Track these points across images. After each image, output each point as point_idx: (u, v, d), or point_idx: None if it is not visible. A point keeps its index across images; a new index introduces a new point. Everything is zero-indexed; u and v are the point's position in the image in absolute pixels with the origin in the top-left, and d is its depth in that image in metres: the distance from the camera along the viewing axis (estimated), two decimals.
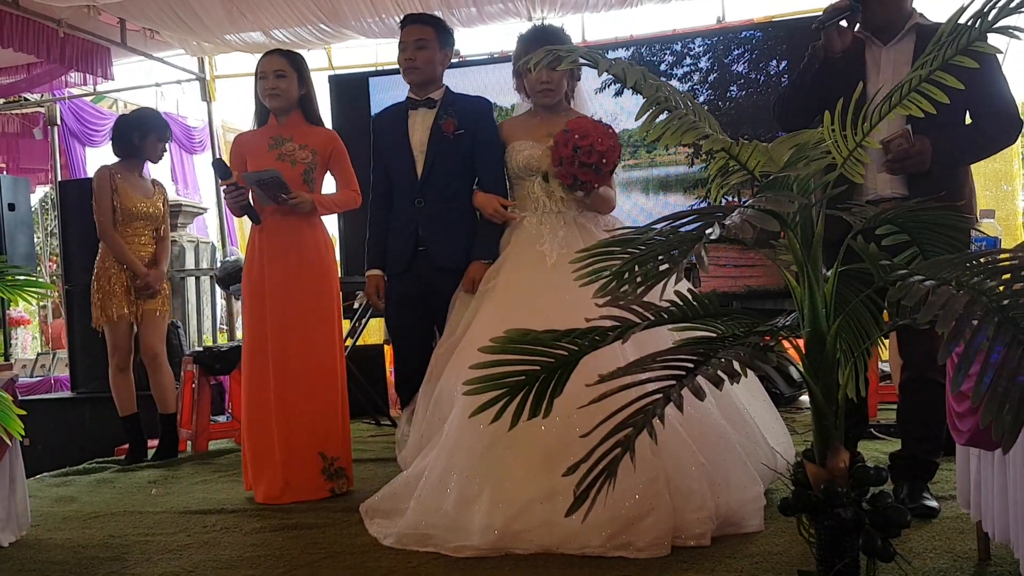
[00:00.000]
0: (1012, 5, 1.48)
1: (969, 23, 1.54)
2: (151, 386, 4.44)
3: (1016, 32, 1.53)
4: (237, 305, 6.61)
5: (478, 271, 3.09)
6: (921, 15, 2.77)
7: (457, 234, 3.20)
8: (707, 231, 1.30)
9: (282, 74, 3.37)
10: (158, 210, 4.41)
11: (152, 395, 4.47)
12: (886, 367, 4.95)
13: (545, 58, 1.57)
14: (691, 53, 5.82)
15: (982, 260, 1.31)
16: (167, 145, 4.52)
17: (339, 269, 5.85)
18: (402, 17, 3.47)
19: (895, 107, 1.55)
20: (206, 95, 7.53)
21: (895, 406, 2.87)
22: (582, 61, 1.57)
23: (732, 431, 2.67)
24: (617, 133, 2.97)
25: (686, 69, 5.80)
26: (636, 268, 1.45)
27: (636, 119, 1.55)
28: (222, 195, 3.33)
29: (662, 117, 1.51)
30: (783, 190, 1.46)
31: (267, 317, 3.31)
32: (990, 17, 1.54)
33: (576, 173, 2.90)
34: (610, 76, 1.55)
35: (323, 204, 3.40)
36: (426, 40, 3.24)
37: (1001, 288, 1.19)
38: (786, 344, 1.68)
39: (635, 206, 5.87)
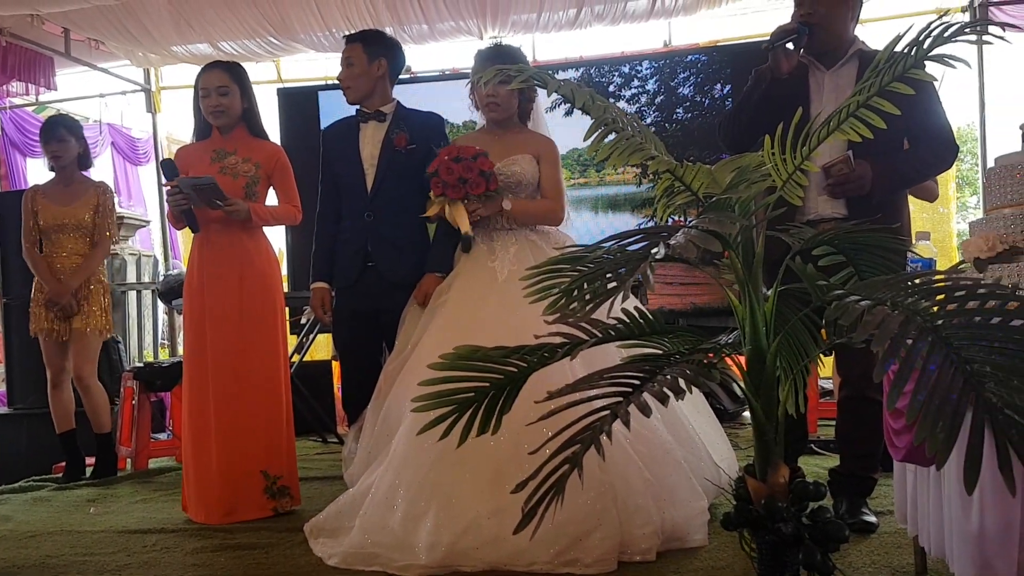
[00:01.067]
0: (946, 34, 1.54)
1: (905, 51, 1.59)
2: (84, 406, 4.33)
3: (950, 61, 1.59)
4: (179, 320, 6.49)
5: (431, 284, 3.08)
6: (863, 42, 2.86)
7: (407, 249, 3.20)
8: (653, 251, 1.32)
9: (225, 90, 3.33)
10: (81, 219, 4.24)
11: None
12: (827, 383, 5.05)
13: (495, 76, 1.58)
14: (639, 75, 5.92)
15: (917, 281, 1.36)
16: (56, 151, 4.27)
17: (285, 283, 5.83)
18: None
19: (834, 132, 1.60)
20: (151, 106, 7.42)
21: (835, 422, 2.93)
22: (532, 81, 1.59)
23: (678, 447, 2.70)
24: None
25: (634, 91, 5.90)
26: (584, 286, 1.47)
27: (584, 139, 1.57)
28: (165, 200, 3.28)
29: (610, 138, 1.53)
30: (725, 212, 1.49)
31: (208, 332, 3.26)
32: (925, 45, 1.60)
33: (447, 181, 2.95)
34: (559, 96, 1.57)
35: (260, 215, 3.36)
36: (351, 58, 3.27)
37: (935, 308, 1.23)
38: (729, 361, 1.71)
39: (584, 224, 5.93)
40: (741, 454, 3.30)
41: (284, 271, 6.12)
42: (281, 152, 3.49)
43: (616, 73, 5.94)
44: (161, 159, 3.28)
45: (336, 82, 3.43)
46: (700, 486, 2.63)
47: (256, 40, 6.32)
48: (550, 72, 5.56)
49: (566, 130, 5.56)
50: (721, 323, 5.32)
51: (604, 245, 1.50)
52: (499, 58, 3.06)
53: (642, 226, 5.84)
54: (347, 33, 3.50)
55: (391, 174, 3.21)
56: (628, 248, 1.46)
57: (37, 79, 6.32)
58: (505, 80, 2.82)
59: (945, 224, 6.65)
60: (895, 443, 2.03)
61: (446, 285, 3.04)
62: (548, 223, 3.13)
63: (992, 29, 1.55)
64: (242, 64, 3.56)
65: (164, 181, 3.24)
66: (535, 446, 1.52)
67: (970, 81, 6.16)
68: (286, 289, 5.65)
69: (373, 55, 3.28)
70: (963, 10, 6.01)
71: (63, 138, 4.27)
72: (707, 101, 5.78)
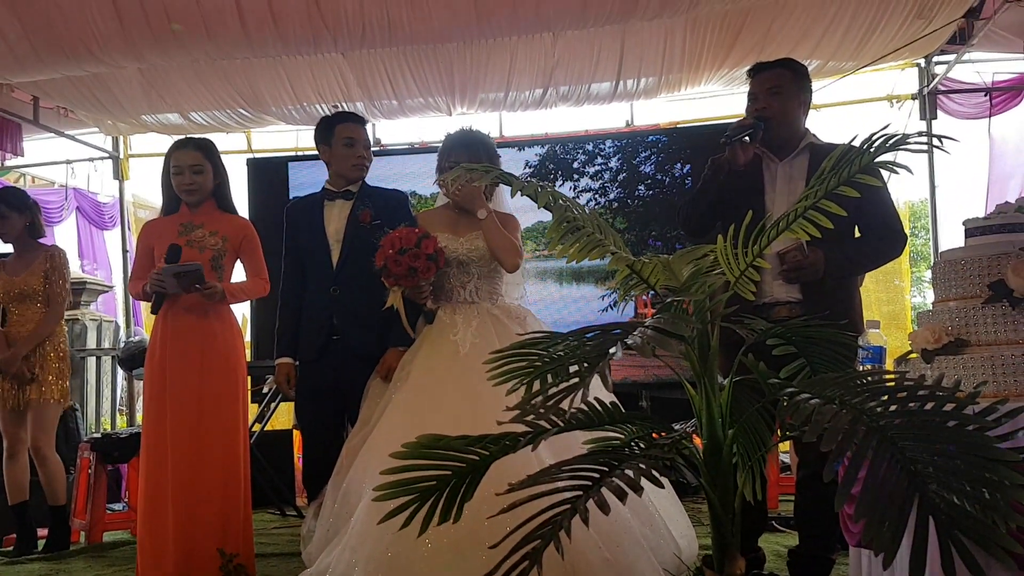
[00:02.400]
0: (889, 144, 1.63)
1: (852, 156, 1.68)
2: (40, 477, 4.23)
3: (895, 168, 1.67)
4: (139, 386, 6.39)
5: (393, 358, 3.11)
6: (814, 135, 2.98)
7: (372, 322, 3.22)
8: (610, 350, 1.36)
9: (199, 169, 3.37)
10: (33, 287, 4.19)
11: None
12: (787, 457, 5.09)
13: (463, 176, 1.63)
14: (602, 153, 6.06)
15: (866, 380, 1.41)
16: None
17: (248, 353, 5.79)
18: (324, 112, 3.55)
19: (784, 231, 1.67)
20: (119, 173, 7.41)
21: (793, 500, 2.96)
22: (498, 181, 1.64)
23: (638, 524, 2.70)
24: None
25: (597, 167, 6.03)
26: (548, 378, 1.50)
27: (546, 237, 1.62)
28: (151, 274, 3.27)
29: (570, 234, 1.59)
30: (680, 314, 1.54)
31: (168, 407, 3.23)
32: (872, 149, 1.68)
33: (397, 273, 2.97)
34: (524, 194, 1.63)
35: (233, 294, 3.37)
36: (364, 140, 3.37)
37: (879, 409, 1.28)
38: (696, 438, 1.75)
39: (549, 295, 5.99)
40: (702, 530, 3.31)
41: (248, 337, 6.08)
42: (249, 226, 3.52)
43: (580, 150, 6.08)
44: (170, 244, 3.29)
45: (306, 152, 3.49)
46: (659, 565, 2.63)
47: (227, 111, 6.37)
48: (517, 147, 5.58)
49: (531, 203, 5.69)
50: (683, 395, 5.36)
51: (567, 339, 1.54)
52: (470, 144, 3.16)
53: (605, 298, 5.91)
54: (352, 113, 3.60)
55: (357, 248, 3.25)
56: (587, 343, 1.50)
57: (4, 145, 6.30)
58: (472, 177, 2.91)
59: (900, 297, 6.81)
60: (850, 528, 2.07)
61: (409, 357, 3.06)
62: (507, 257, 3.11)
63: (936, 138, 1.64)
64: (211, 138, 3.61)
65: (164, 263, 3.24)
66: (495, 520, 1.53)
67: (921, 163, 6.37)
68: (249, 358, 5.61)
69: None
70: (912, 97, 6.26)
71: (4, 215, 4.22)
72: (667, 179, 5.93)
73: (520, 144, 6.25)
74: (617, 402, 1.84)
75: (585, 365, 1.40)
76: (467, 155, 3.12)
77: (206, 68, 5.82)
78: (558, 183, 6.00)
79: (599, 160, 6.05)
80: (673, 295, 1.65)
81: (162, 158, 3.50)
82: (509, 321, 3.06)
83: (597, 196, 6.02)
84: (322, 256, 3.29)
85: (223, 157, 3.55)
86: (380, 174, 6.06)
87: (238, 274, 3.53)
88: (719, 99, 6.54)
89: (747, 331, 1.82)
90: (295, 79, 6.03)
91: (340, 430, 3.28)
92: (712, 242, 1.78)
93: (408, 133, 7.05)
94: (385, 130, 7.02)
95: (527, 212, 5.81)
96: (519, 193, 1.68)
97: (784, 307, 2.80)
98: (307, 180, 6.11)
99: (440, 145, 3.31)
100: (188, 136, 3.70)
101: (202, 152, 3.40)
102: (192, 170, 3.36)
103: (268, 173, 6.39)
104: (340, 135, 3.33)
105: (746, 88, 3.02)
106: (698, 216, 2.99)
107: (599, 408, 1.69)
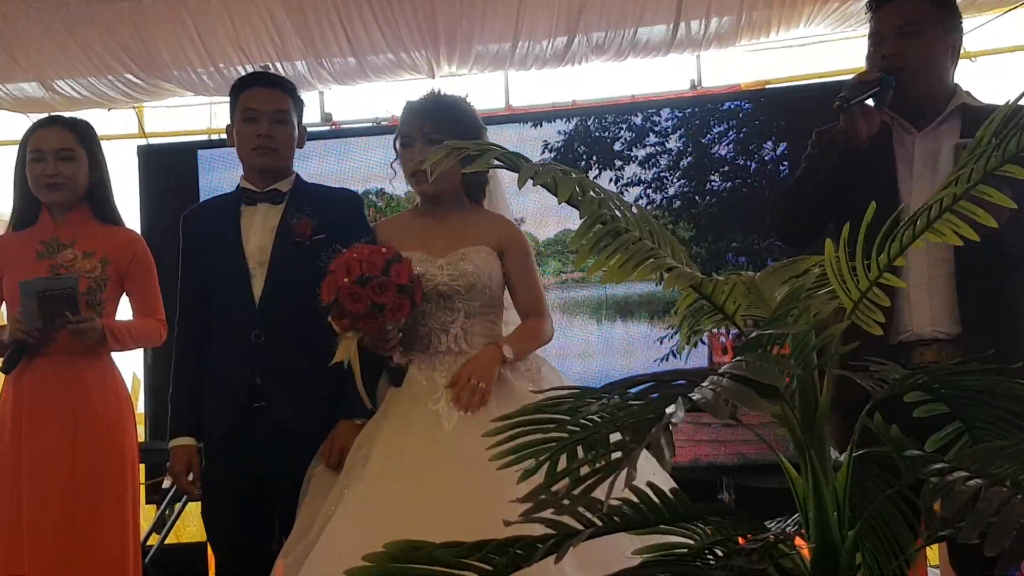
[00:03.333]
0: None
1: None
2: None
3: None
4: None
5: (346, 435, 3.10)
6: (968, 93, 2.98)
7: (311, 382, 3.21)
8: (668, 411, 1.35)
9: (68, 154, 3.41)
10: None
11: None
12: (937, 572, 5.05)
13: (446, 159, 1.63)
14: (656, 128, 6.06)
15: None
16: None
17: (141, 430, 5.78)
18: (246, 72, 3.57)
19: (924, 231, 1.65)
20: None
21: None
22: (496, 163, 1.64)
23: None
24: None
25: (649, 150, 6.03)
26: (577, 455, 1.49)
27: (571, 246, 1.61)
28: (9, 318, 3.29)
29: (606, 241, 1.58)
30: (769, 356, 1.52)
31: (26, 502, 3.27)
32: None
33: (356, 312, 2.93)
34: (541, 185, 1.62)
35: (116, 335, 3.38)
36: (286, 112, 3.33)
37: None
38: (799, 542, 1.73)
39: (582, 339, 5.97)
40: None
41: (140, 407, 6.08)
42: (138, 242, 3.55)
43: (624, 125, 6.08)
44: (34, 280, 3.29)
45: (222, 138, 3.51)
46: None
47: (109, 78, 6.42)
48: (531, 121, 5.60)
49: (545, 201, 5.66)
50: (781, 483, 5.28)
51: (604, 397, 1.52)
52: (433, 112, 3.19)
53: (663, 341, 5.88)
54: (258, 72, 3.60)
55: (289, 275, 3.25)
56: (633, 402, 1.48)
57: None
58: (435, 142, 2.92)
59: None
60: None
61: (368, 434, 3.06)
62: (542, 342, 3.19)
63: None
64: (87, 118, 3.64)
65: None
66: None
67: None
68: (142, 436, 5.60)
69: (300, 117, 3.43)
70: None
71: None
72: (752, 164, 5.92)
73: (535, 118, 6.26)
74: (681, 492, 1.82)
75: (631, 435, 1.38)
76: (430, 128, 3.14)
77: (77, 13, 5.88)
78: (592, 172, 6.00)
79: (652, 139, 6.04)
80: (761, 329, 1.63)
81: (14, 148, 3.54)
82: (515, 377, 3.07)
83: (650, 191, 6.01)
84: (238, 285, 3.29)
85: (104, 144, 3.58)
86: (331, 165, 6.10)
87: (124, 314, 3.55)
88: (827, 46, 6.55)
89: (874, 381, 1.80)
90: (207, 29, 6.08)
91: (267, 539, 3.27)
92: (820, 251, 1.77)
93: (371, 105, 7.09)
94: (338, 101, 7.06)
95: (546, 217, 5.85)
96: (529, 184, 1.67)
97: (931, 346, 2.79)
98: (226, 176, 6.14)
99: None
100: (55, 114, 3.73)
101: (74, 133, 3.45)
102: (57, 156, 3.40)
103: (169, 166, 6.40)
104: (240, 107, 3.35)
105: (866, 29, 3.03)
106: (799, 215, 2.99)
107: (654, 499, 1.67)
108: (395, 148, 3.28)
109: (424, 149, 3.09)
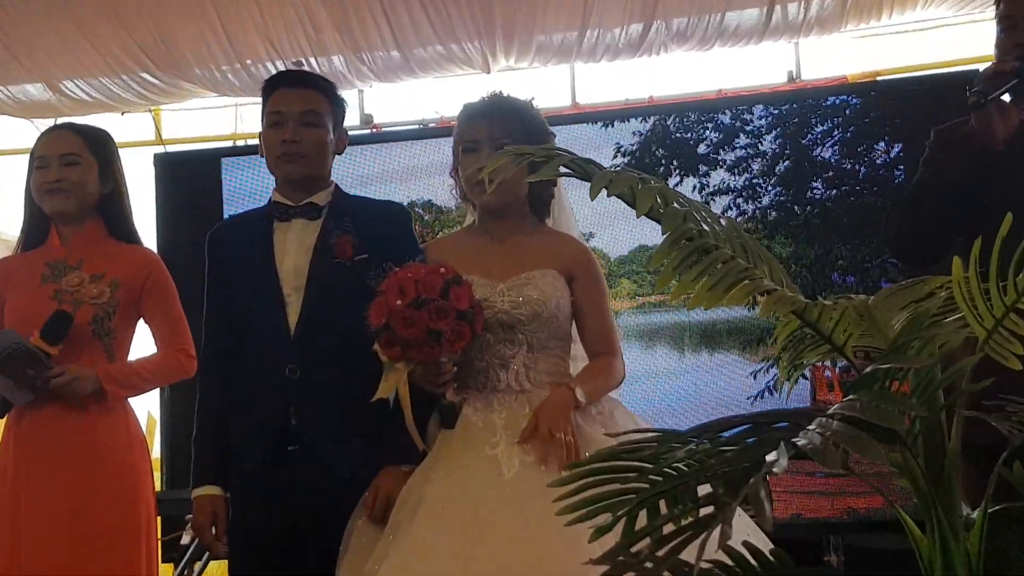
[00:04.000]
0: None
1: None
2: None
3: None
4: None
5: (391, 483, 3.08)
6: None
7: (353, 422, 3.21)
8: (768, 458, 1.32)
9: (74, 159, 3.45)
10: None
11: None
12: None
13: (506, 167, 1.62)
14: (748, 128, 6.03)
15: None
16: None
17: (157, 478, 5.82)
18: (275, 72, 3.59)
19: None
20: None
21: None
22: (565, 170, 1.62)
23: None
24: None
25: (740, 152, 6.00)
26: (660, 510, 1.47)
27: (652, 264, 1.58)
28: None
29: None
30: (887, 394, 1.50)
31: (22, 561, 3.28)
32: None
33: (409, 339, 2.91)
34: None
35: (123, 380, 3.41)
36: (318, 113, 3.34)
37: None
38: None
39: (659, 372, 5.94)
40: None
41: (155, 451, 6.12)
42: (154, 262, 3.58)
43: (709, 124, 6.06)
44: (55, 312, 3.35)
45: (250, 142, 3.52)
46: None
47: (122, 78, 6.50)
48: (602, 121, 5.60)
49: (617, 211, 5.65)
50: (901, 543, 5.20)
51: (691, 442, 1.50)
52: (494, 115, 3.19)
53: (757, 375, 5.84)
54: (286, 70, 3.61)
55: (328, 301, 3.25)
56: (726, 447, 1.46)
57: None
58: (511, 170, 2.90)
59: None
60: None
61: (418, 482, 3.04)
62: (615, 384, 3.18)
63: None
64: (105, 130, 3.69)
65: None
66: None
67: None
68: (159, 486, 5.64)
69: (338, 119, 3.42)
70: None
71: None
72: (861, 168, 5.87)
73: (606, 117, 6.25)
74: (784, 553, 1.79)
75: (725, 486, 1.36)
76: (499, 132, 3.14)
77: (86, 5, 5.95)
78: (672, 180, 5.98)
79: (743, 140, 6.02)
80: (877, 363, 1.60)
81: (24, 157, 3.59)
82: (585, 420, 3.04)
83: (741, 200, 5.99)
84: (271, 313, 3.29)
85: (118, 151, 3.62)
86: (371, 174, 6.11)
87: (141, 344, 3.57)
88: (948, 31, 6.50)
89: (1011, 424, 1.76)
90: (232, 22, 6.16)
91: None
92: (945, 271, 1.73)
93: (417, 105, 7.13)
94: (380, 101, 7.11)
95: (617, 229, 5.83)
96: (603, 195, 1.66)
97: None
98: (254, 188, 6.19)
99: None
100: (67, 120, 3.79)
101: (81, 137, 3.49)
102: (63, 160, 3.44)
103: (190, 177, 6.47)
104: (267, 112, 3.37)
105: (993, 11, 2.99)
106: (919, 228, 2.95)
107: (751, 562, 1.64)
108: (455, 154, 3.27)
109: (492, 156, 3.08)
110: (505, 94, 3.28)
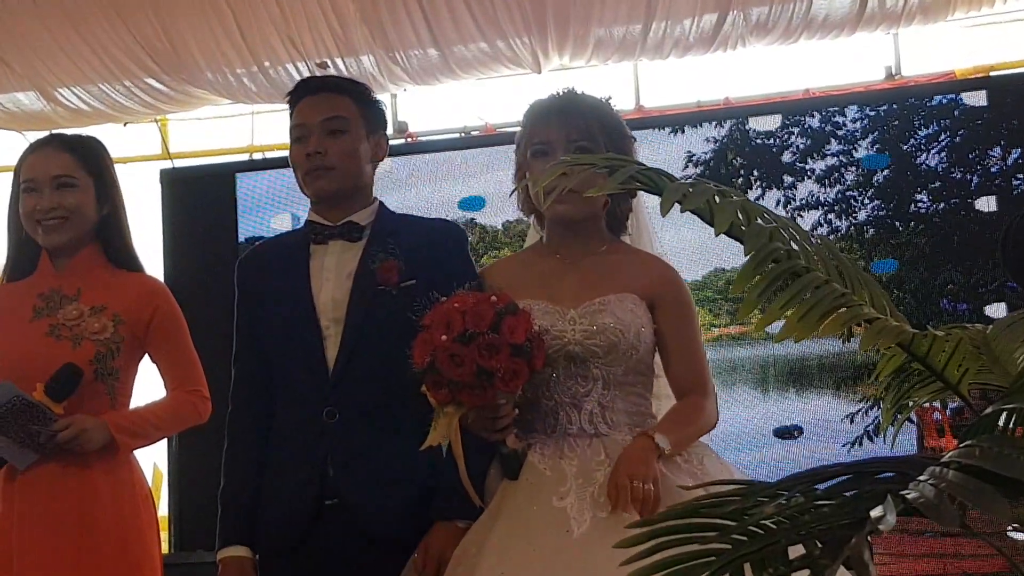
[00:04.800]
0: None
1: None
2: None
3: None
4: None
5: (444, 542, 3.08)
6: None
7: (399, 474, 3.22)
8: (873, 514, 1.32)
9: (69, 181, 3.47)
10: None
11: None
12: None
13: (568, 178, 1.63)
14: (840, 132, 6.04)
15: None
16: None
17: (165, 540, 5.84)
18: (296, 76, 3.61)
19: None
20: None
21: None
22: (636, 184, 1.63)
23: None
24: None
25: (831, 160, 6.00)
26: (746, 572, 1.46)
27: (733, 291, 1.58)
28: None
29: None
30: (1010, 438, 1.49)
31: None
32: None
33: (457, 380, 2.88)
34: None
35: (133, 429, 3.43)
36: (344, 119, 3.34)
37: None
38: None
39: (743, 415, 5.93)
40: None
41: (163, 508, 6.12)
42: (161, 292, 3.60)
43: (796, 129, 6.06)
44: (64, 365, 3.38)
45: (270, 155, 3.53)
46: None
47: (124, 83, 6.56)
48: (670, 127, 5.60)
49: (689, 225, 5.61)
50: None
51: (782, 495, 1.49)
52: (569, 114, 3.16)
53: (856, 417, 5.81)
54: (311, 76, 3.61)
55: (372, 334, 3.25)
56: (822, 501, 1.45)
57: None
58: (585, 151, 2.89)
59: None
60: None
61: (473, 541, 3.03)
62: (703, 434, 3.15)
63: None
64: (94, 135, 3.71)
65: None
66: None
67: None
68: (166, 548, 5.65)
69: (373, 123, 3.42)
70: None
71: None
72: (974, 178, 5.86)
73: (675, 122, 6.29)
74: None
75: (822, 547, 1.35)
76: (577, 134, 3.13)
77: (84, 3, 5.99)
78: (752, 192, 5.97)
79: (834, 146, 6.02)
80: (998, 403, 1.59)
81: (8, 175, 3.62)
82: (668, 468, 3.01)
83: (833, 215, 5.98)
84: (307, 349, 3.29)
85: (119, 168, 3.65)
86: (408, 193, 6.13)
87: (144, 388, 3.59)
88: None
89: None
90: (248, 20, 6.21)
91: None
92: None
93: (459, 113, 7.15)
94: (415, 107, 7.14)
95: (690, 252, 5.80)
96: (675, 209, 1.66)
97: None
98: (272, 207, 6.23)
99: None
100: (54, 132, 3.81)
101: (75, 155, 3.50)
102: (55, 184, 3.45)
103: (199, 194, 6.53)
104: (291, 126, 3.38)
105: None
106: None
107: None
108: (519, 159, 3.26)
109: (557, 154, 3.08)
110: (580, 91, 3.26)
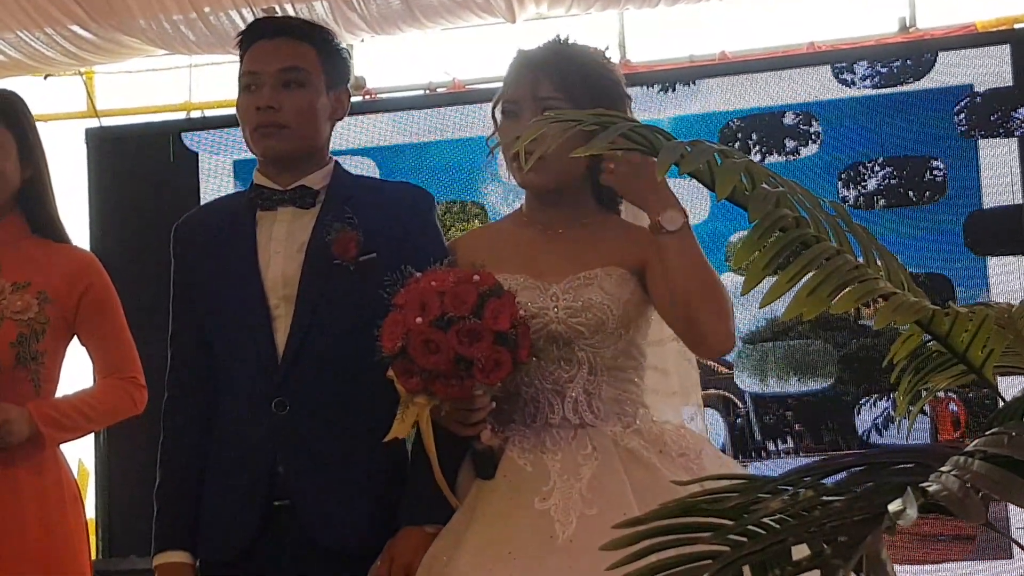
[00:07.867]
0: None
1: None
2: None
3: None
4: None
5: (411, 548, 3.08)
6: None
7: (358, 472, 3.23)
8: (891, 509, 1.33)
9: None
10: None
11: None
12: None
13: (551, 136, 1.63)
14: (853, 90, 6.04)
15: None
16: None
17: (93, 544, 5.83)
18: (242, 20, 3.60)
19: None
20: None
21: None
22: (628, 143, 1.63)
23: None
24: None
25: (839, 128, 6.01)
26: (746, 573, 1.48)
27: (736, 262, 1.59)
28: None
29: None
30: None
31: None
32: None
33: (431, 368, 2.88)
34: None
35: (63, 420, 3.43)
36: (303, 70, 3.32)
37: None
38: None
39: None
40: None
41: (91, 511, 6.12)
42: (93, 267, 3.60)
43: (800, 87, 6.07)
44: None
45: (213, 115, 3.51)
46: None
47: (45, 31, 6.54)
48: (660, 85, 5.66)
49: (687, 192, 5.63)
50: None
51: (786, 490, 1.51)
52: (552, 66, 3.13)
53: (867, 405, 5.84)
54: (262, 18, 3.60)
55: (327, 314, 3.25)
56: (832, 496, 1.47)
57: None
58: (543, 110, 2.89)
59: None
60: None
61: (445, 548, 3.04)
62: (711, 325, 2.99)
63: None
64: (14, 89, 3.71)
65: None
66: None
67: None
68: (94, 554, 5.65)
69: (334, 76, 3.39)
70: None
71: None
72: (1000, 148, 5.88)
73: (665, 78, 6.30)
74: None
75: (833, 546, 1.36)
76: (549, 89, 3.11)
77: None
78: (752, 156, 5.98)
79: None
80: None
81: None
82: (662, 462, 3.02)
83: (840, 184, 5.99)
84: (254, 331, 3.28)
85: (39, 126, 3.64)
86: (363, 149, 6.13)
87: (71, 376, 3.59)
88: None
89: None
90: None
91: None
92: None
93: (423, 67, 7.16)
94: (375, 60, 7.17)
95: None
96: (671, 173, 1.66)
97: None
98: (217, 174, 6.23)
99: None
100: None
101: None
102: None
103: (133, 158, 6.51)
104: (240, 73, 3.35)
105: None
106: None
107: None
108: (493, 118, 3.24)
109: (527, 113, 3.05)
110: (570, 41, 3.22)
